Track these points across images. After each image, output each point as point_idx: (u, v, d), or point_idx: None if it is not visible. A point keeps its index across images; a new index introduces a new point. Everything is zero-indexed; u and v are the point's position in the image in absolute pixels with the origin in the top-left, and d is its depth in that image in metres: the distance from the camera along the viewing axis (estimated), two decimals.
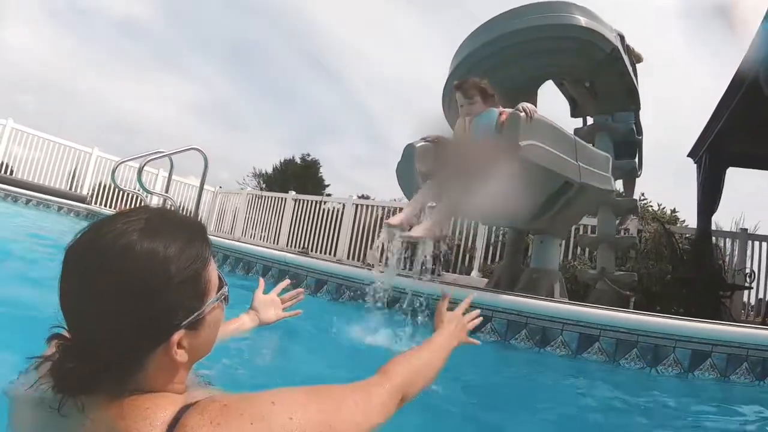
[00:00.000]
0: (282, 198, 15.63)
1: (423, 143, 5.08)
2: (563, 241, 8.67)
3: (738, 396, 3.81)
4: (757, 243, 9.70)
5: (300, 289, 2.45)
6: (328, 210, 14.54)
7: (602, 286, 7.30)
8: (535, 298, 4.54)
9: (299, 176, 37.19)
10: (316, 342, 3.73)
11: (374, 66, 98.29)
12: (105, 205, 16.03)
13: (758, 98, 7.04)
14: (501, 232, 10.75)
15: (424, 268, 4.32)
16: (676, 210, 11.62)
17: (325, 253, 13.74)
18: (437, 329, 1.98)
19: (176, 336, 1.12)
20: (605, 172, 5.50)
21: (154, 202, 15.93)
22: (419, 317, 4.22)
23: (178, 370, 1.18)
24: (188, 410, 1.07)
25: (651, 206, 11.63)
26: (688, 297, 8.65)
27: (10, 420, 1.22)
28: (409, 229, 4.38)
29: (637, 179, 7.97)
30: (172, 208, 10.76)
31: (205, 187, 14.68)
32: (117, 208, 15.39)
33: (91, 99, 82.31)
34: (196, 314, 1.16)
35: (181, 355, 1.14)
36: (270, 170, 40.06)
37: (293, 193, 15.52)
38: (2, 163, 14.51)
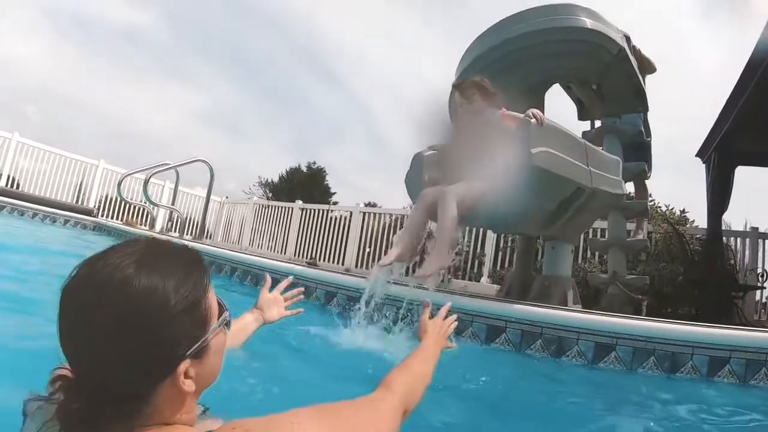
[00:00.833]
0: (289, 207, 15.61)
1: (431, 152, 5.03)
2: (575, 247, 8.60)
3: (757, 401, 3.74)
4: None
5: (301, 288, 2.51)
6: (335, 218, 14.50)
7: (614, 290, 7.23)
8: (549, 308, 4.47)
9: (305, 184, 37.22)
10: (323, 354, 3.67)
11: (379, 71, 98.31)
12: (112, 218, 16.04)
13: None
14: (510, 237, 10.70)
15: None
16: (686, 210, 11.53)
17: (333, 263, 13.71)
18: (422, 338, 2.05)
19: (182, 366, 1.11)
20: (616, 175, 5.45)
21: (161, 213, 15.96)
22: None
23: (185, 401, 1.17)
24: None
25: (660, 207, 11.54)
26: (700, 298, 8.56)
27: None
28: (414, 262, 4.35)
29: (647, 181, 7.89)
30: (179, 220, 10.79)
31: (212, 197, 14.71)
32: (124, 221, 15.41)
33: (96, 109, 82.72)
34: (199, 343, 1.15)
35: (188, 385, 1.12)
36: (276, 179, 40.14)
37: (300, 202, 15.50)
38: (9, 176, 14.54)
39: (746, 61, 7.82)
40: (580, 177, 4.72)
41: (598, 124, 7.63)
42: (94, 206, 15.68)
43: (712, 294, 8.21)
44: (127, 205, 16.22)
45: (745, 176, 9.93)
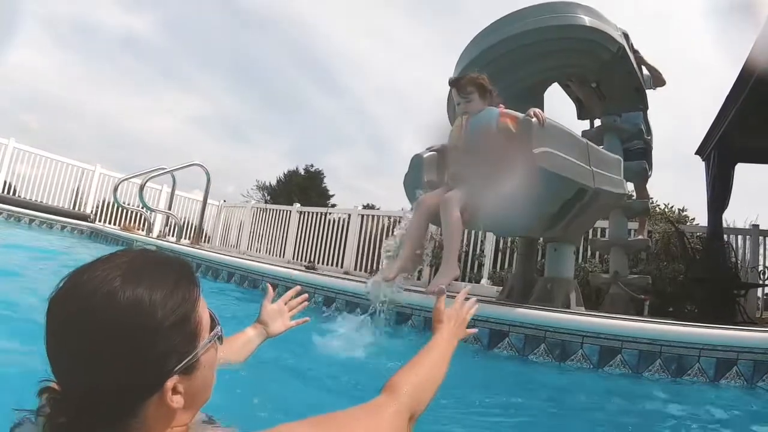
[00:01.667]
0: (287, 210, 15.56)
1: (430, 153, 4.97)
2: (579, 248, 8.56)
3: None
4: None
5: (305, 295, 2.39)
6: (334, 221, 14.46)
7: (616, 290, 7.18)
8: (553, 311, 4.40)
9: (303, 187, 37.17)
10: (321, 362, 3.60)
11: (377, 75, 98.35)
12: (109, 223, 15.99)
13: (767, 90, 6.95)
14: (510, 238, 10.65)
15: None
16: (685, 209, 11.50)
17: (331, 265, 13.67)
18: (436, 330, 1.89)
19: (170, 382, 1.08)
20: (618, 175, 5.39)
21: (159, 218, 15.90)
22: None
23: (174, 417, 1.13)
24: None
25: (659, 206, 11.51)
26: (702, 297, 8.53)
27: None
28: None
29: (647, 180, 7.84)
30: (176, 224, 10.72)
31: (210, 201, 14.66)
32: (121, 226, 15.35)
33: (96, 116, 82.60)
34: (188, 358, 1.12)
35: (177, 402, 1.09)
36: (274, 182, 40.08)
37: (298, 205, 15.45)
38: (5, 182, 14.53)
39: (745, 58, 7.77)
40: (582, 177, 4.65)
41: (597, 123, 7.57)
42: (91, 212, 15.63)
43: (714, 292, 8.17)
44: (125, 210, 16.16)
45: (745, 173, 9.89)
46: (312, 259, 14.12)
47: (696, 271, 8.55)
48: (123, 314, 1.02)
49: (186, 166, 12.68)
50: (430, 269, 11.16)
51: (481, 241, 11.36)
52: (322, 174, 38.55)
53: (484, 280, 10.78)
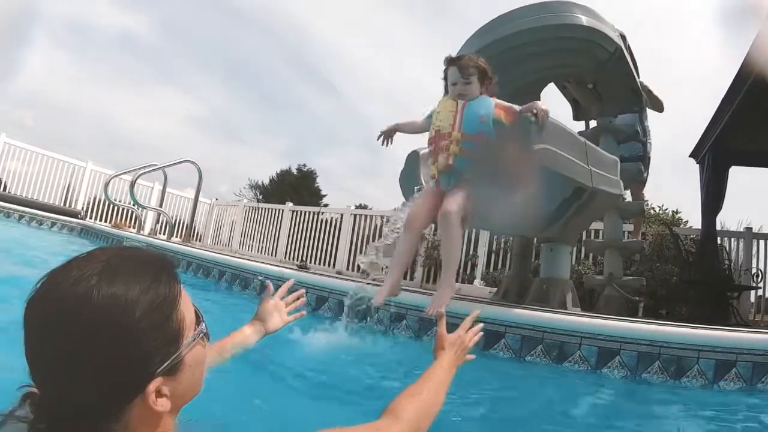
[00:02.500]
0: (279, 210, 15.50)
1: (426, 149, 4.92)
2: (573, 249, 8.53)
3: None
4: (762, 242, 9.62)
5: (301, 291, 2.35)
6: (326, 221, 14.42)
7: (610, 291, 7.14)
8: (550, 312, 4.35)
9: (296, 187, 37.09)
10: (312, 363, 3.54)
11: (370, 75, 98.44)
12: (100, 220, 15.89)
13: (763, 94, 6.92)
14: (504, 238, 10.62)
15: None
16: (679, 211, 11.51)
17: (324, 265, 13.63)
18: (438, 355, 1.92)
19: (152, 385, 1.05)
20: (614, 175, 5.35)
21: (150, 216, 15.81)
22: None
23: (161, 420, 1.11)
24: None
25: (653, 208, 11.51)
26: (696, 299, 8.53)
27: None
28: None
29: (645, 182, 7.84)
30: (167, 222, 10.64)
31: (202, 199, 14.58)
32: (112, 223, 15.27)
33: (91, 114, 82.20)
34: (171, 358, 1.08)
35: (161, 405, 1.06)
36: (267, 181, 39.97)
37: (290, 204, 15.39)
38: None
39: (741, 62, 7.76)
40: (581, 176, 4.61)
41: (593, 124, 7.55)
42: (82, 208, 15.51)
43: (707, 294, 8.18)
44: (116, 207, 16.08)
45: (739, 176, 9.91)
46: (304, 259, 14.08)
47: (690, 274, 8.56)
48: (99, 314, 0.99)
49: (177, 163, 12.63)
50: (423, 269, 11.14)
51: (475, 241, 11.32)
52: (315, 174, 38.56)
53: (477, 281, 10.74)
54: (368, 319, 4.59)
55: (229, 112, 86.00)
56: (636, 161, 7.46)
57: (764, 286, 9.38)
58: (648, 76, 7.39)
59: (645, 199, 8.43)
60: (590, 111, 7.51)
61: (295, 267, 10.39)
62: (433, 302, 3.97)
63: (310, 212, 14.74)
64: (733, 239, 9.87)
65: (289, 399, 2.72)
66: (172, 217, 15.79)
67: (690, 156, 10.42)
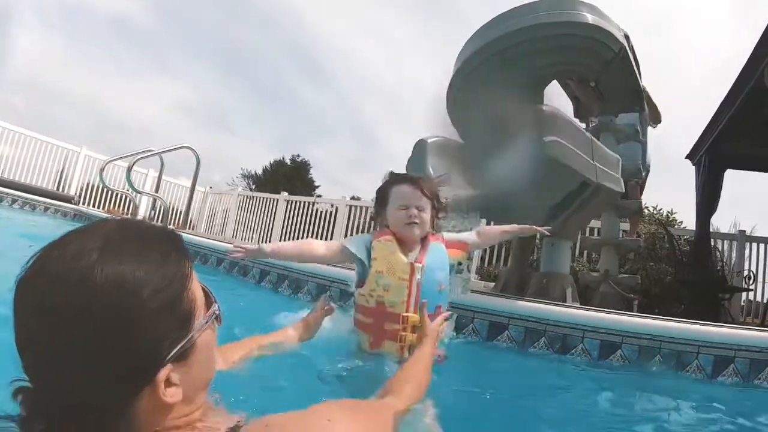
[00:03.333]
0: (274, 199, 15.47)
1: (435, 138, 4.92)
2: (574, 245, 8.57)
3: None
4: (755, 245, 9.71)
5: (332, 306, 2.54)
6: (321, 212, 14.40)
7: (606, 288, 7.18)
8: (554, 305, 4.39)
9: (289, 177, 36.97)
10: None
11: (365, 66, 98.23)
12: (93, 206, 15.78)
13: (763, 100, 6.99)
14: None
15: None
16: (673, 211, 11.59)
17: None
18: (423, 341, 2.20)
19: (162, 373, 0.95)
20: (616, 173, 5.40)
21: (144, 202, 15.75)
22: None
23: (173, 410, 1.00)
24: None
25: (648, 208, 11.59)
26: (689, 299, 8.61)
27: None
28: None
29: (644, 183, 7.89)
30: (162, 208, 10.47)
31: (196, 187, 14.50)
32: (106, 209, 15.19)
33: (83, 99, 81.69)
34: (183, 343, 0.99)
35: (171, 395, 0.97)
36: (260, 171, 39.80)
37: (285, 194, 15.36)
38: None
39: (742, 67, 7.82)
40: (586, 171, 4.65)
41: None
42: (75, 194, 15.41)
43: (700, 294, 8.25)
44: (110, 193, 15.97)
45: (733, 180, 10.00)
46: None
47: (684, 273, 8.62)
48: (102, 295, 0.88)
49: (175, 149, 12.51)
50: None
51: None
52: (309, 165, 38.40)
53: (471, 275, 10.75)
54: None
55: (222, 101, 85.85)
56: (635, 161, 7.50)
57: (756, 289, 9.47)
58: (647, 74, 7.43)
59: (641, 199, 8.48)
60: (591, 109, 7.54)
61: None
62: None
63: (305, 202, 14.73)
64: (726, 241, 9.96)
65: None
66: (167, 204, 15.74)
67: (686, 158, 10.51)
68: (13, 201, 12.59)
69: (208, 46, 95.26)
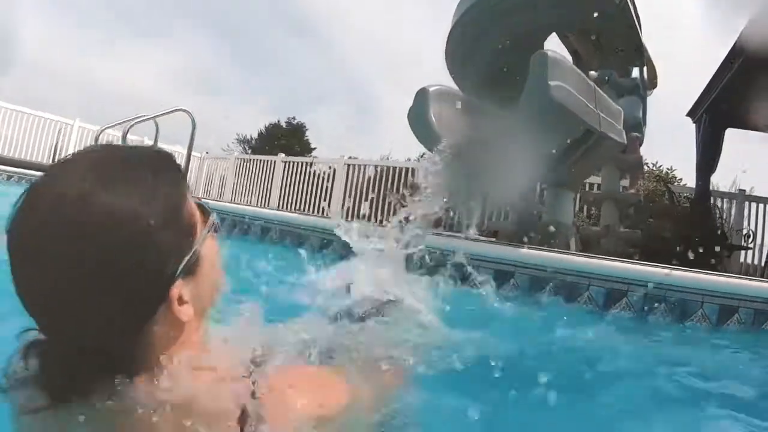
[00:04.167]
0: (271, 161, 15.38)
1: (437, 87, 4.86)
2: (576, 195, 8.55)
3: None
4: (754, 204, 9.69)
5: None
6: (319, 173, 14.30)
7: (607, 243, 7.17)
8: (560, 252, 4.37)
9: (285, 140, 36.61)
10: None
11: (361, 27, 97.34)
12: None
13: (762, 60, 6.93)
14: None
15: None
16: (673, 168, 11.57)
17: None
18: None
19: (175, 290, 0.93)
20: (619, 124, 5.35)
21: None
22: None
23: (183, 330, 0.98)
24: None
25: (647, 164, 11.57)
26: (687, 255, 8.60)
27: None
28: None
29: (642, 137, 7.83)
30: None
31: (192, 154, 14.39)
32: None
33: (70, 71, 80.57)
34: (188, 257, 0.96)
35: (185, 312, 0.95)
36: (255, 135, 39.50)
37: (282, 155, 15.28)
38: None
39: (743, 26, 7.76)
40: (590, 119, 4.61)
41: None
42: None
43: (699, 251, 8.24)
44: None
45: (734, 139, 9.98)
46: (297, 210, 14.01)
47: (683, 229, 8.60)
48: (103, 221, 0.85)
49: (169, 112, 12.33)
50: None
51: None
52: (305, 127, 37.91)
53: (471, 230, 10.68)
54: None
55: (214, 65, 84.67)
56: (634, 116, 7.44)
57: (754, 248, 9.48)
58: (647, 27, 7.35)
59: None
60: (591, 63, 7.45)
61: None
62: None
63: (302, 162, 14.64)
64: (725, 200, 9.94)
65: None
66: None
67: (687, 115, 10.46)
68: (9, 177, 12.45)
69: (199, 9, 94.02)
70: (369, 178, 12.89)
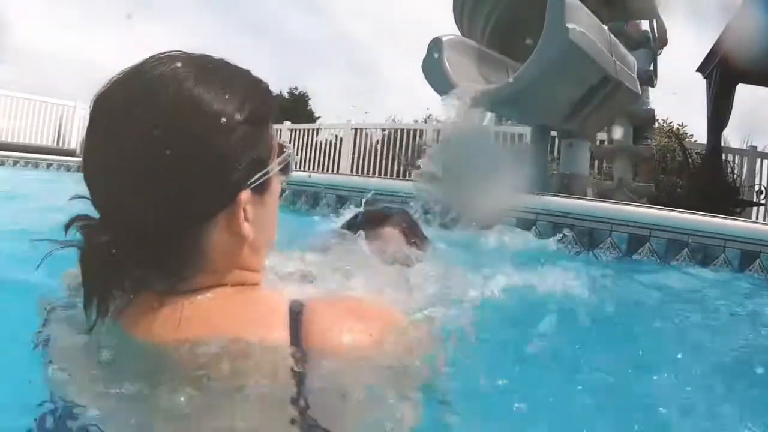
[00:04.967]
0: (277, 129, 15.29)
1: (451, 36, 4.80)
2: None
3: None
4: (766, 161, 9.65)
5: None
6: (326, 141, 14.24)
7: (620, 197, 7.13)
8: (581, 199, 4.33)
9: (288, 110, 36.43)
10: None
11: None
12: None
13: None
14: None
15: None
16: (684, 124, 11.48)
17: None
18: None
19: (244, 195, 0.90)
20: (633, 72, 5.29)
21: None
22: None
23: (241, 251, 0.93)
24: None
25: (657, 120, 11.51)
26: (701, 210, 8.57)
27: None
28: None
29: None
30: None
31: None
32: None
33: (70, 58, 79.99)
34: (263, 171, 0.92)
35: (247, 228, 0.90)
36: None
37: (288, 123, 15.17)
38: None
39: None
40: (607, 65, 4.56)
41: None
42: (76, 149, 15.20)
43: (713, 206, 8.20)
44: None
45: (745, 95, 9.88)
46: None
47: (696, 184, 8.57)
48: (192, 103, 0.85)
49: None
50: None
51: None
52: (307, 96, 37.69)
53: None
54: None
55: (212, 38, 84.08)
56: (646, 69, 7.37)
57: (767, 204, 9.44)
58: None
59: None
60: (600, 16, 7.35)
61: None
62: None
63: (309, 130, 14.57)
64: (737, 156, 9.88)
65: None
66: None
67: (697, 70, 10.33)
68: (15, 162, 12.39)
69: None
70: (377, 142, 12.81)
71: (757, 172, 9.74)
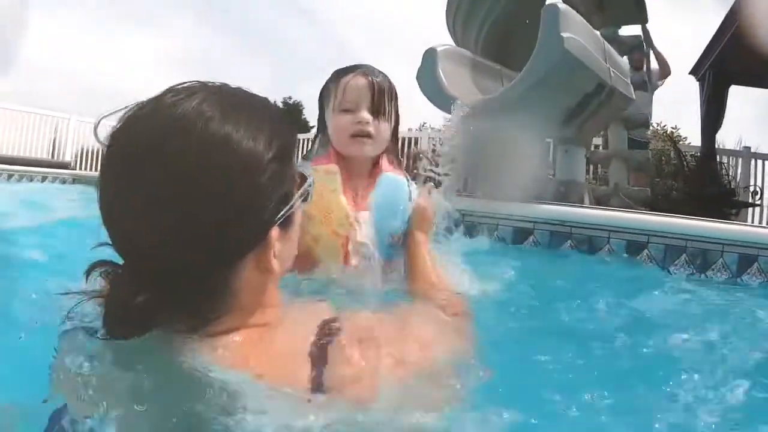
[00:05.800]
0: None
1: (445, 46, 4.81)
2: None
3: None
4: (760, 161, 9.70)
5: None
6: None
7: (616, 202, 7.14)
8: (579, 207, 4.34)
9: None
10: None
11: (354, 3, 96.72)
12: (90, 170, 15.52)
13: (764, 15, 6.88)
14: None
15: None
16: (678, 127, 11.54)
17: None
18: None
19: (274, 232, 0.90)
20: (626, 78, 5.31)
21: None
22: None
23: (267, 287, 0.95)
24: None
25: (652, 124, 11.57)
26: (696, 213, 8.58)
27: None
28: None
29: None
30: None
31: None
32: None
33: (64, 67, 79.97)
34: (288, 207, 0.92)
35: (276, 263, 0.91)
36: None
37: None
38: None
39: None
40: (601, 72, 4.57)
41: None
42: (71, 161, 15.14)
43: (709, 209, 8.21)
44: None
45: (739, 96, 9.93)
46: None
47: (692, 187, 8.59)
48: (222, 140, 0.83)
49: None
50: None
51: None
52: (302, 106, 37.70)
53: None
54: None
55: (205, 48, 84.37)
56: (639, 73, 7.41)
57: (762, 204, 9.47)
58: None
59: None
60: (592, 21, 7.37)
61: None
62: None
63: (303, 140, 14.57)
64: (731, 158, 9.92)
65: None
66: None
67: (690, 73, 10.37)
68: (10, 176, 12.33)
69: None
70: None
71: (752, 173, 9.83)
